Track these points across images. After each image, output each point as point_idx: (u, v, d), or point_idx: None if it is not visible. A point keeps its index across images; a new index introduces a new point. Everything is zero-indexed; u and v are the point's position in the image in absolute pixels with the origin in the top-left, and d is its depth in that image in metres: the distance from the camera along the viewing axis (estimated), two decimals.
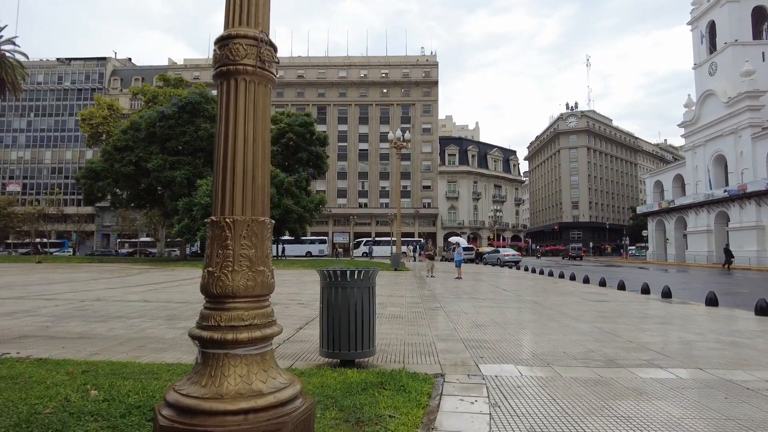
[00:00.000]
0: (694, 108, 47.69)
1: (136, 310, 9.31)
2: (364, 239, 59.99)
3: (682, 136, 50.59)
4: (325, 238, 62.77)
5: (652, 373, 4.85)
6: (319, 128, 52.36)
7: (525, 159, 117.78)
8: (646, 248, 58.94)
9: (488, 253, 43.36)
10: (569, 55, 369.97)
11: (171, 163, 34.15)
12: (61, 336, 6.55)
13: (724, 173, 44.02)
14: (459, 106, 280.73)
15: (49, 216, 60.04)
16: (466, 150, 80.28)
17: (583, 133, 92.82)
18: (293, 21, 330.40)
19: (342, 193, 73.01)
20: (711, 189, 44.14)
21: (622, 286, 14.68)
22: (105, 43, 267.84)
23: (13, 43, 40.88)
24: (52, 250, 56.75)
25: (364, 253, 54.13)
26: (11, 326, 7.29)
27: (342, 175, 73.11)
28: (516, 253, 42.33)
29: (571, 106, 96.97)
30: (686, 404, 3.89)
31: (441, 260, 45.58)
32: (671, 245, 51.16)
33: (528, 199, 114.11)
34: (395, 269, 24.74)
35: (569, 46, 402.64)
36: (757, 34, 43.92)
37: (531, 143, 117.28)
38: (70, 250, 63.41)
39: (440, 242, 67.25)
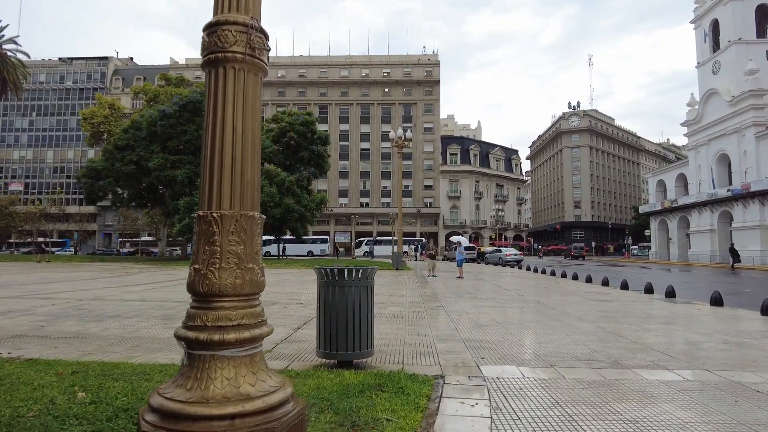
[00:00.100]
0: (697, 107, 47.43)
1: (133, 309, 9.22)
2: (366, 239, 59.95)
3: (685, 135, 50.38)
4: (327, 237, 62.69)
5: (658, 375, 4.72)
6: (321, 127, 52.45)
7: (527, 158, 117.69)
8: (649, 248, 58.78)
9: (490, 252, 43.34)
10: (571, 55, 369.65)
11: (172, 162, 34.09)
12: (55, 335, 6.45)
13: (727, 172, 43.79)
14: (461, 105, 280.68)
15: (50, 215, 60.20)
16: (467, 149, 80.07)
17: (586, 133, 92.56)
18: (295, 20, 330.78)
19: (343, 193, 72.96)
20: (714, 188, 43.88)
21: (625, 286, 14.50)
22: (107, 42, 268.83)
23: (15, 43, 40.94)
24: (53, 249, 56.83)
25: (365, 252, 54.13)
26: (6, 325, 7.20)
27: (343, 175, 73.06)
28: (518, 252, 42.25)
29: (573, 106, 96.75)
30: (694, 407, 3.76)
31: (442, 260, 45.44)
32: (674, 245, 50.96)
33: (530, 198, 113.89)
34: (396, 269, 24.61)
35: (571, 45, 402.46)
36: (760, 33, 43.65)
37: (533, 142, 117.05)
38: (72, 249, 63.46)
39: (442, 242, 67.07)
